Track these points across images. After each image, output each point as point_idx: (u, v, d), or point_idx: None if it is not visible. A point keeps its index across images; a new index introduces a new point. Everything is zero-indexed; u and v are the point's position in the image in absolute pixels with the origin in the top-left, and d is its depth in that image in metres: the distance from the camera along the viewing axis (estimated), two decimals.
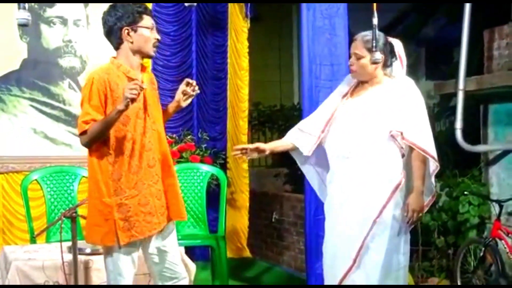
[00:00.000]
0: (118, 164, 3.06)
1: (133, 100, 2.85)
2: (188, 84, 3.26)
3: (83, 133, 3.01)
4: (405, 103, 3.40)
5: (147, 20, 3.12)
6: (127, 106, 2.86)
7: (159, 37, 3.19)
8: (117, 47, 3.16)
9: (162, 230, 3.18)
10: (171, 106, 3.35)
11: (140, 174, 3.09)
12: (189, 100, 3.32)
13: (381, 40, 3.40)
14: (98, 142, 3.02)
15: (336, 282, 3.43)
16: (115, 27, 3.11)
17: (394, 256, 3.40)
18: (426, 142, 3.37)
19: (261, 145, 3.61)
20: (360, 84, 3.56)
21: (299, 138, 3.62)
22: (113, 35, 3.14)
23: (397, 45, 3.52)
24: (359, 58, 3.40)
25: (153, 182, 3.13)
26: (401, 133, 3.34)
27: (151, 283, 3.54)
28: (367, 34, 3.36)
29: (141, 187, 3.09)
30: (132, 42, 3.11)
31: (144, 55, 3.19)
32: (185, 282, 3.31)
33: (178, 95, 3.29)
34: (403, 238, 3.44)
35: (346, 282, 3.39)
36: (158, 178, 3.16)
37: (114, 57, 3.18)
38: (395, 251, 3.41)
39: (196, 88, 3.27)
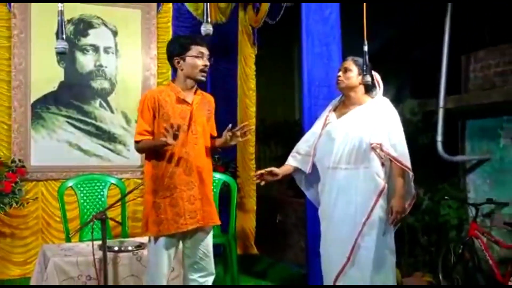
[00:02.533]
0: (158, 168, 3.17)
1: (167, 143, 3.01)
2: (239, 129, 3.28)
3: (137, 142, 3.21)
4: (383, 120, 3.46)
5: (194, 50, 3.17)
6: (164, 145, 3.04)
7: (207, 63, 3.20)
8: (175, 73, 3.27)
9: (197, 230, 3.22)
10: (218, 141, 3.38)
11: (174, 179, 3.14)
12: (237, 140, 3.31)
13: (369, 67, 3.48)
14: (142, 152, 3.32)
15: (333, 278, 3.46)
16: (170, 57, 3.24)
17: (383, 252, 3.43)
18: (400, 153, 3.43)
19: (274, 169, 3.62)
20: (343, 104, 3.61)
21: (300, 160, 3.70)
22: (170, 63, 3.27)
23: (376, 74, 3.60)
24: (347, 71, 3.49)
25: (187, 188, 3.17)
26: (380, 145, 3.37)
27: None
28: (357, 57, 3.47)
29: (173, 190, 3.15)
30: (182, 70, 3.21)
31: (195, 81, 3.22)
32: (211, 278, 3.34)
33: (225, 135, 3.28)
34: (389, 236, 3.47)
35: (343, 276, 3.42)
36: (194, 186, 3.18)
37: (173, 80, 3.31)
38: (383, 248, 3.43)
39: (247, 132, 3.31)
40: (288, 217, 6.45)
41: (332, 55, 4.96)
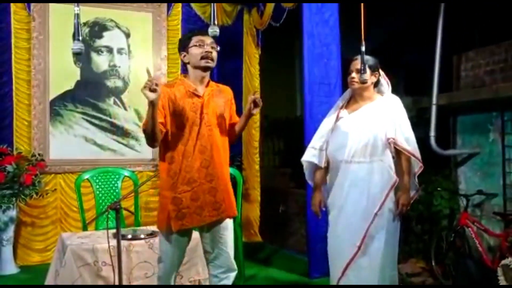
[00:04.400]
0: (175, 164, 2.98)
1: (152, 91, 2.66)
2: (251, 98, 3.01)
3: (143, 130, 2.90)
4: (394, 116, 3.40)
5: (194, 40, 3.02)
6: (151, 100, 2.71)
7: (209, 50, 3.01)
8: (186, 69, 3.12)
9: (216, 223, 3.05)
10: (243, 115, 3.11)
11: (192, 173, 2.96)
12: (257, 109, 3.02)
13: (375, 64, 3.45)
14: (151, 137, 2.87)
15: (343, 267, 3.36)
16: (179, 54, 3.12)
17: (391, 241, 3.38)
18: (413, 147, 3.38)
19: (321, 200, 3.56)
20: (353, 100, 3.55)
21: (316, 155, 3.57)
22: (181, 60, 3.13)
23: (381, 71, 3.54)
24: (360, 72, 3.32)
25: (206, 180, 2.98)
26: (394, 140, 3.33)
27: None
28: (366, 57, 3.31)
29: (193, 184, 2.97)
30: (188, 62, 3.07)
31: (200, 69, 3.04)
32: (233, 275, 3.14)
33: (247, 106, 3.04)
34: (397, 226, 3.42)
35: (352, 266, 3.33)
36: (213, 178, 2.99)
37: (184, 75, 3.13)
38: (392, 238, 3.38)
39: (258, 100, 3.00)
40: (290, 207, 6.45)
41: (331, 55, 4.96)
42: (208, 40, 3.02)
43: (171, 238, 3.03)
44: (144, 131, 2.89)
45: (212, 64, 3.04)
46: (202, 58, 3.00)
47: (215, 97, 3.10)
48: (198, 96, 3.03)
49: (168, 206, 2.99)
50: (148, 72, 2.78)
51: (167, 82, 3.17)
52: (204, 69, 3.05)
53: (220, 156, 3.04)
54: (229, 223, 3.13)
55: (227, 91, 3.21)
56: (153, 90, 2.68)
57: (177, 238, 3.04)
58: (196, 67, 3.05)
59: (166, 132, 2.98)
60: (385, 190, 3.32)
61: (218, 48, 3.08)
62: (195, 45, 3.02)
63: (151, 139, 2.90)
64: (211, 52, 3.02)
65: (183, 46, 3.08)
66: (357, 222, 3.33)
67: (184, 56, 3.07)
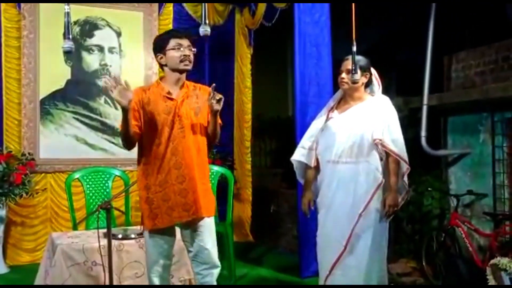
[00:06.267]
0: (149, 165, 3.05)
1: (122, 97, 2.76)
2: (210, 94, 2.98)
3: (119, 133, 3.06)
4: (383, 117, 3.41)
5: (172, 42, 3.04)
6: (123, 106, 2.80)
7: (187, 53, 3.04)
8: (163, 70, 3.15)
9: (193, 222, 3.07)
10: (208, 113, 3.11)
11: (164, 174, 3.02)
12: (220, 104, 3.01)
13: (366, 64, 3.45)
14: (125, 140, 2.98)
15: (330, 266, 3.40)
16: (155, 55, 3.14)
17: (378, 241, 3.40)
18: (400, 148, 3.39)
19: (310, 199, 3.59)
20: (344, 101, 3.57)
21: (305, 155, 3.59)
22: (157, 62, 3.16)
23: (373, 71, 3.55)
24: (350, 72, 3.29)
25: (177, 182, 3.02)
26: (381, 141, 3.35)
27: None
28: (357, 57, 3.29)
29: (165, 185, 3.03)
30: (166, 64, 3.09)
31: (178, 71, 3.08)
32: (216, 271, 3.15)
33: (208, 102, 3.02)
34: (384, 226, 3.44)
35: (339, 265, 3.37)
36: (184, 179, 3.02)
37: (161, 78, 3.17)
38: (379, 237, 3.40)
39: (217, 96, 2.98)
40: (281, 207, 6.46)
41: (322, 55, 4.97)
42: (186, 42, 3.07)
43: (149, 237, 3.11)
44: (122, 140, 3.03)
45: (191, 67, 3.09)
46: (181, 61, 3.05)
47: (190, 98, 3.13)
48: (172, 99, 3.07)
49: (143, 206, 3.08)
50: (115, 79, 2.82)
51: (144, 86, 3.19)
52: (183, 71, 3.10)
53: (192, 158, 3.05)
54: (207, 220, 3.15)
55: (205, 90, 3.20)
56: (122, 96, 2.76)
57: (154, 237, 3.11)
58: (174, 70, 3.08)
59: (141, 135, 3.04)
60: (370, 191, 3.35)
61: (195, 50, 3.11)
62: (173, 48, 3.05)
63: (125, 142, 3.02)
64: (189, 55, 3.06)
65: (160, 47, 3.09)
66: (343, 222, 3.36)
67: (161, 58, 3.10)
